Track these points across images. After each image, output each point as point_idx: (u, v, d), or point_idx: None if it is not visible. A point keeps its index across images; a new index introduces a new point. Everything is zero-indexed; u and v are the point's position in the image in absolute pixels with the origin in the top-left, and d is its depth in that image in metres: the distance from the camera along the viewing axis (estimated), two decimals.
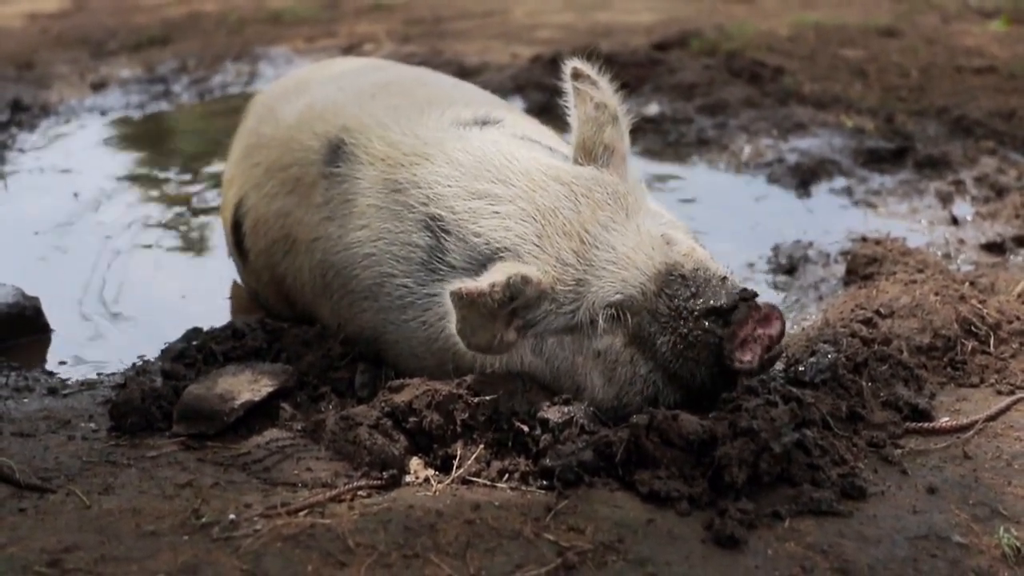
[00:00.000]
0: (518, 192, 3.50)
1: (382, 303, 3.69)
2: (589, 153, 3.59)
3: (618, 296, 3.34)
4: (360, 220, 3.76)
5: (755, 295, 3.29)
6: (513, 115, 4.18)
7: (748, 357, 3.24)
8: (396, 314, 3.67)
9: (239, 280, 4.81)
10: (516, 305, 3.32)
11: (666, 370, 3.34)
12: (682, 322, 3.29)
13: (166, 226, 5.64)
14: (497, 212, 3.49)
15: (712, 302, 3.27)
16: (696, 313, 3.27)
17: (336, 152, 3.91)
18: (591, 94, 3.62)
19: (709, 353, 3.27)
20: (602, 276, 3.36)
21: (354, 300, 3.80)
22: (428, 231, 3.58)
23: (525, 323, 3.38)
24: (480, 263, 3.44)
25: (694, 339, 3.28)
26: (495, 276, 3.28)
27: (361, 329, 3.83)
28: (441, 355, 3.56)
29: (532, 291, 3.32)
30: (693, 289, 3.31)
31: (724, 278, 3.35)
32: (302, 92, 4.43)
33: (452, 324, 3.32)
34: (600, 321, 3.36)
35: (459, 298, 3.24)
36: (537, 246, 3.40)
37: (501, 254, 3.42)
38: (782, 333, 3.29)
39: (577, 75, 3.65)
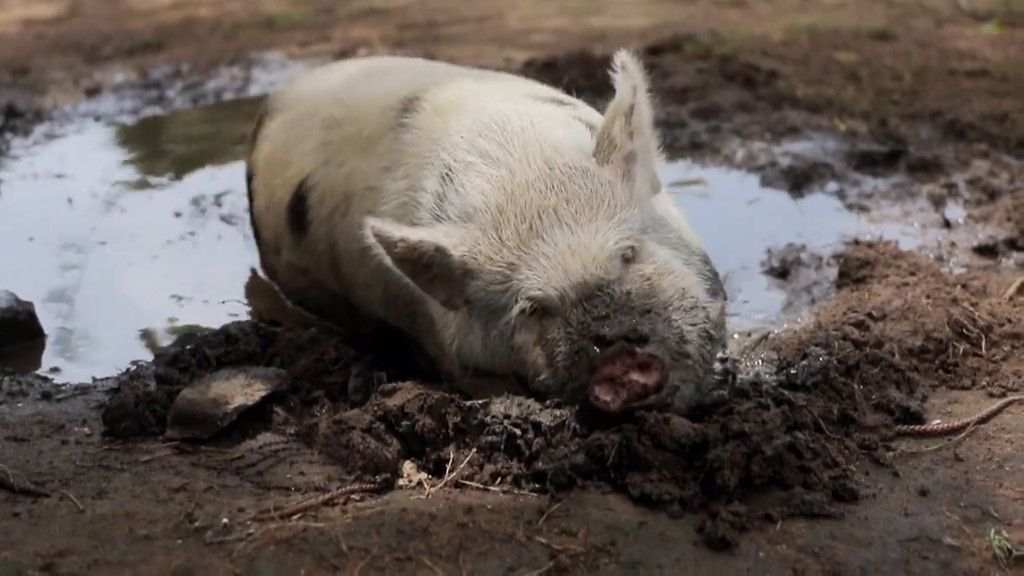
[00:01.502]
0: (510, 160, 3.46)
1: None
2: (599, 145, 3.49)
3: (537, 292, 3.29)
4: (403, 169, 3.78)
5: (644, 339, 3.13)
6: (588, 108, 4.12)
7: (607, 397, 3.12)
8: None
9: (260, 272, 4.90)
10: (436, 272, 3.37)
11: (562, 383, 3.27)
12: (576, 340, 3.21)
13: (160, 231, 5.64)
14: (483, 173, 3.47)
15: (600, 330, 3.15)
16: (587, 336, 3.18)
17: (408, 105, 3.95)
18: (622, 86, 3.49)
19: (583, 380, 3.18)
20: (533, 268, 3.30)
21: None
22: (440, 179, 3.58)
23: (469, 294, 3.40)
24: (463, 218, 3.44)
25: (577, 361, 3.20)
26: (419, 233, 3.34)
27: (396, 296, 3.85)
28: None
29: (446, 260, 3.35)
30: (605, 312, 3.20)
31: (668, 312, 3.24)
32: (374, 76, 4.55)
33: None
34: (515, 312, 3.33)
35: (374, 233, 3.33)
36: (492, 218, 3.37)
37: (471, 213, 3.42)
38: (659, 385, 3.10)
39: (622, 66, 3.51)
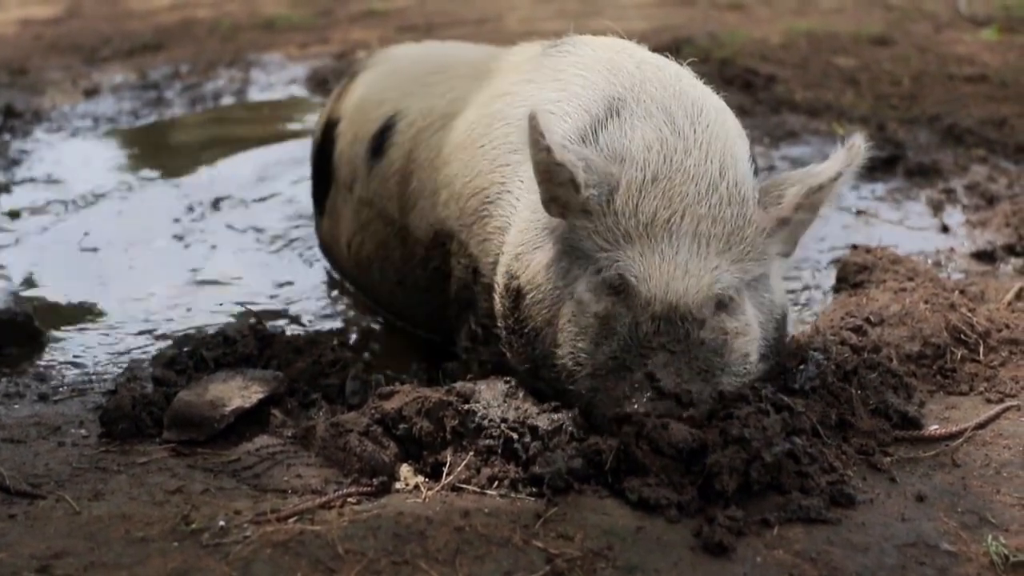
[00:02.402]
0: (689, 141, 3.36)
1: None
2: (767, 190, 3.38)
3: (632, 280, 3.22)
4: (557, 84, 3.76)
5: (691, 404, 3.12)
6: None
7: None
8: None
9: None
10: (559, 184, 3.27)
11: (588, 372, 3.25)
12: (632, 355, 3.18)
13: (159, 233, 5.64)
14: (660, 135, 3.37)
15: (658, 372, 3.12)
16: (643, 362, 3.15)
17: (563, 40, 4.02)
18: (833, 163, 3.35)
19: (609, 390, 3.19)
20: (643, 257, 3.23)
21: (499, 155, 3.80)
22: (608, 109, 3.50)
23: (574, 223, 3.33)
24: (613, 158, 3.36)
25: (617, 371, 3.18)
26: (566, 156, 3.24)
27: (474, 194, 3.83)
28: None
29: (571, 192, 3.27)
30: (673, 349, 3.17)
31: (721, 376, 3.22)
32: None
33: None
34: (600, 275, 3.27)
35: (534, 123, 3.23)
36: (641, 180, 3.28)
37: (624, 160, 3.33)
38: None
39: (849, 147, 3.37)
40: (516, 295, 3.46)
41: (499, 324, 3.59)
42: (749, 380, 3.32)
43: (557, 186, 3.30)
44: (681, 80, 3.63)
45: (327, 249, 5.22)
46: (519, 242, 3.52)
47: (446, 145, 4.09)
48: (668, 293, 3.20)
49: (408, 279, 4.35)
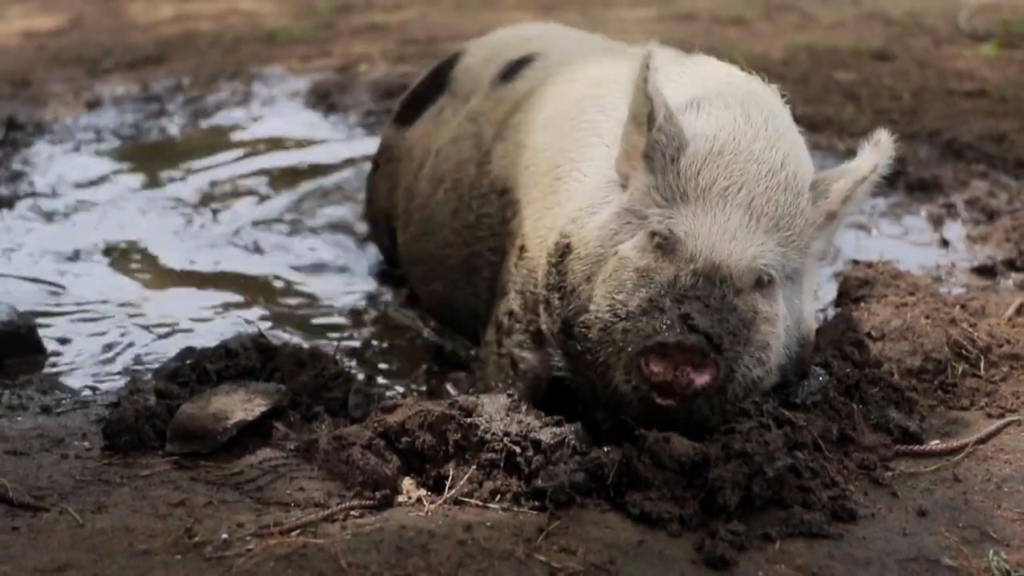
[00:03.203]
0: (760, 128, 3.50)
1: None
2: (816, 186, 3.49)
3: (681, 235, 3.31)
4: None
5: (719, 349, 3.15)
6: None
7: (658, 368, 3.14)
8: None
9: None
10: (633, 139, 3.48)
11: (620, 317, 3.29)
12: (669, 302, 3.21)
13: (161, 245, 5.65)
14: (732, 118, 3.50)
15: (695, 313, 3.15)
16: (679, 305, 3.19)
17: (687, 55, 4.26)
18: (868, 157, 3.56)
19: (643, 332, 3.21)
20: (695, 216, 3.34)
21: (583, 136, 3.91)
22: (690, 101, 3.62)
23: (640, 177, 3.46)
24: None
25: (651, 312, 3.22)
26: (664, 100, 3.43)
27: (552, 167, 3.94)
28: None
29: (643, 131, 3.43)
30: (709, 303, 3.20)
31: (744, 351, 3.24)
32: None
33: None
34: (648, 229, 3.37)
35: (648, 59, 3.42)
36: (707, 149, 3.41)
37: (695, 136, 3.44)
38: (702, 389, 3.15)
39: (876, 142, 3.58)
40: (563, 251, 3.55)
41: (540, 284, 3.68)
42: (762, 382, 3.35)
43: (636, 127, 3.46)
44: (763, 90, 3.81)
45: (403, 155, 5.18)
46: (577, 208, 3.63)
47: (549, 107, 4.22)
48: (713, 252, 3.28)
49: (463, 208, 4.46)
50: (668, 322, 3.17)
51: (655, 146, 3.41)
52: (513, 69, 4.68)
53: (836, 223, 3.54)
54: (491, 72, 4.79)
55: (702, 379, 3.14)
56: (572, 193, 3.75)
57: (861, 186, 3.50)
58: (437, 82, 5.15)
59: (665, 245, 3.32)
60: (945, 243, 5.47)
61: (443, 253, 4.57)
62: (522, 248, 3.96)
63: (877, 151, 3.54)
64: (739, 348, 3.23)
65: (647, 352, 3.15)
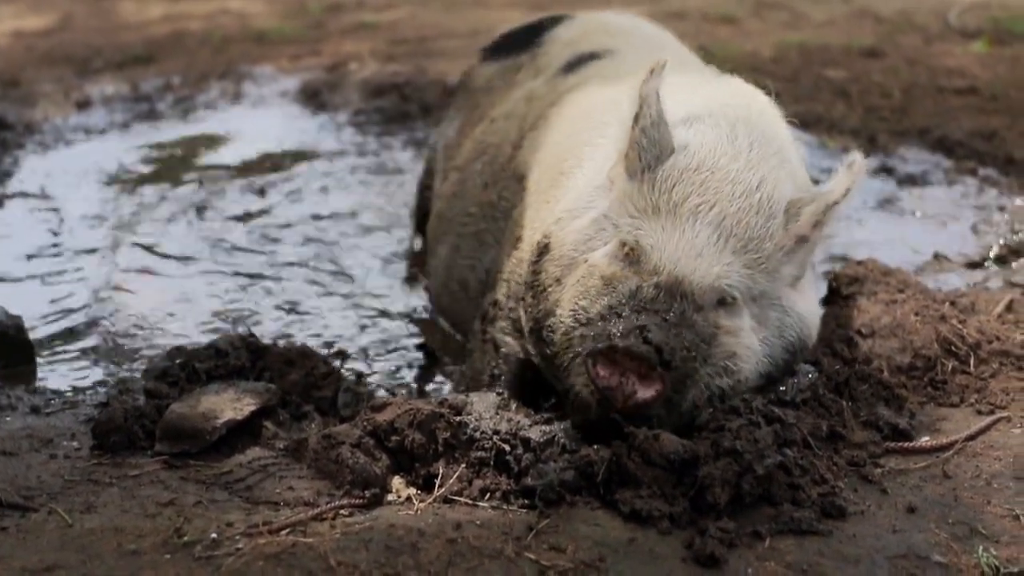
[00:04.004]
0: (746, 148, 3.49)
1: None
2: (787, 210, 3.45)
3: (647, 247, 3.32)
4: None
5: (668, 364, 3.12)
6: None
7: (605, 372, 3.12)
8: None
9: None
10: (622, 144, 3.48)
11: (580, 323, 3.31)
12: (627, 311, 3.21)
13: (151, 246, 5.64)
14: (720, 134, 3.50)
15: (650, 324, 3.15)
16: (635, 315, 3.19)
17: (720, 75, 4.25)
18: (840, 182, 3.48)
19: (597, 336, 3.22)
20: (664, 231, 3.34)
21: (592, 138, 3.92)
22: (686, 118, 3.62)
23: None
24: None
25: (609, 318, 3.23)
26: (658, 104, 3.43)
27: (559, 161, 3.97)
28: None
29: (631, 126, 3.43)
30: (667, 316, 3.20)
31: (702, 365, 3.22)
32: None
33: None
34: (619, 238, 3.38)
35: (660, 62, 3.44)
36: (685, 163, 3.41)
37: (678, 146, 3.45)
38: (646, 403, 3.12)
39: (849, 165, 3.50)
40: (541, 251, 3.57)
41: (521, 280, 3.71)
42: (735, 389, 3.33)
43: (627, 129, 3.47)
44: (761, 113, 3.77)
45: (472, 97, 5.28)
46: (564, 208, 3.65)
47: (576, 106, 4.28)
48: (677, 267, 3.28)
49: (491, 185, 4.54)
50: (622, 329, 3.17)
51: (634, 146, 3.42)
52: (578, 62, 4.71)
53: (808, 247, 3.49)
54: (565, 57, 4.81)
55: (646, 392, 3.12)
56: (566, 193, 3.77)
57: (832, 211, 3.44)
58: (532, 35, 5.21)
59: (632, 256, 3.33)
60: (935, 240, 5.47)
61: (462, 220, 4.64)
62: (518, 239, 3.99)
63: (850, 174, 3.46)
64: (695, 364, 3.21)
65: (596, 354, 3.15)
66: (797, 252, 3.45)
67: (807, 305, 3.61)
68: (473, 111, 5.15)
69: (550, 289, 3.48)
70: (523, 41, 5.21)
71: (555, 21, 5.24)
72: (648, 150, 3.41)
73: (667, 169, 3.40)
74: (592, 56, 4.71)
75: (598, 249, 3.43)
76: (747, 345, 3.35)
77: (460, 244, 4.61)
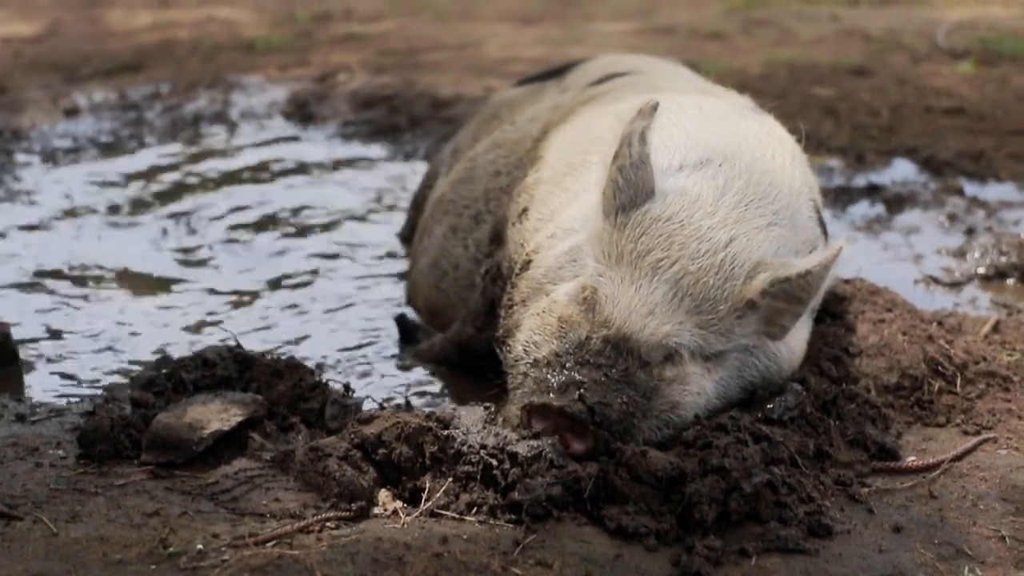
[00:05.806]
0: (727, 197, 3.49)
1: None
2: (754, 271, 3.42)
3: (602, 298, 3.32)
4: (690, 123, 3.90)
5: (601, 425, 3.17)
6: None
7: (537, 425, 3.22)
8: None
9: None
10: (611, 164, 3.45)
11: (529, 362, 3.37)
12: (572, 362, 3.26)
13: (137, 257, 5.63)
14: (709, 175, 3.52)
15: (589, 383, 3.20)
16: (577, 369, 3.25)
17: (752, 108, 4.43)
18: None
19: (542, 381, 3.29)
20: (622, 282, 3.35)
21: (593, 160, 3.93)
22: (684, 166, 3.63)
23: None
24: (660, 168, 3.52)
25: (554, 366, 3.28)
26: (645, 144, 3.42)
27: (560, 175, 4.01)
28: None
29: (605, 171, 3.45)
30: (609, 373, 3.24)
31: (642, 419, 3.26)
32: None
33: None
34: (582, 278, 3.40)
35: (656, 103, 3.47)
36: (659, 213, 3.39)
37: (659, 172, 3.48)
38: (576, 456, 3.17)
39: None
40: (523, 266, 3.64)
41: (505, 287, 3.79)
42: (681, 427, 3.34)
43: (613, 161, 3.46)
44: (775, 168, 3.74)
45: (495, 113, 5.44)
46: (557, 227, 3.69)
47: (607, 104, 4.35)
48: (626, 323, 3.29)
49: (503, 170, 4.65)
50: (561, 385, 3.22)
51: (611, 184, 3.41)
52: (607, 78, 4.82)
53: (770, 313, 3.41)
54: (593, 76, 4.96)
55: (578, 447, 3.18)
56: (572, 198, 3.81)
57: (784, 285, 3.36)
58: (559, 71, 5.41)
59: (589, 301, 3.35)
60: (922, 260, 5.48)
61: (465, 203, 4.72)
62: (525, 210, 4.02)
63: (824, 258, 3.39)
64: (634, 420, 3.25)
65: (532, 408, 3.23)
66: (749, 316, 3.40)
67: (784, 342, 3.58)
68: (491, 120, 5.27)
69: (516, 308, 3.55)
70: (551, 74, 5.45)
71: (582, 61, 5.49)
72: (624, 191, 3.40)
73: (639, 215, 3.39)
74: (620, 75, 4.82)
75: (565, 281, 3.46)
76: (695, 391, 3.38)
77: (458, 224, 4.69)
